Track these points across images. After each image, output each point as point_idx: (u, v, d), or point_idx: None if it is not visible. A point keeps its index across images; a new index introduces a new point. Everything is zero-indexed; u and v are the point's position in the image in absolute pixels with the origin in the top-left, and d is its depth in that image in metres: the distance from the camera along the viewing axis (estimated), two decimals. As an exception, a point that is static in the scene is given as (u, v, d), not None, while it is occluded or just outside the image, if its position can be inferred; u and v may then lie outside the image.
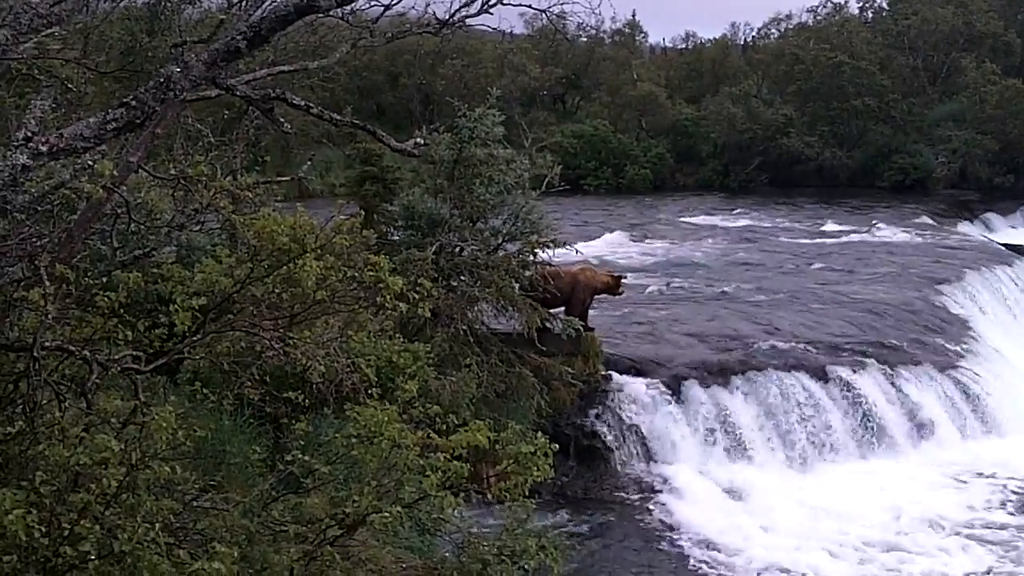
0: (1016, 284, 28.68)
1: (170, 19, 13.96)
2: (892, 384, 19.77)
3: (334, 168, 39.71)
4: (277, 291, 7.40)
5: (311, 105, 7.76)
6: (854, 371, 19.66)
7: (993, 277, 28.36)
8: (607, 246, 32.78)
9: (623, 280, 19.00)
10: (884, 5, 63.48)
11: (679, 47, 74.18)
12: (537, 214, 16.97)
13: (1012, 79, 52.27)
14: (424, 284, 8.18)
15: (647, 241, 34.79)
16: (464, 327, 15.97)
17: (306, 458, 7.18)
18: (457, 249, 16.73)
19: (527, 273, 16.91)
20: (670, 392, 18.29)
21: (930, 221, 39.74)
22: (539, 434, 7.91)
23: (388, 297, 7.59)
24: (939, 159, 51.90)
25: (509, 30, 39.96)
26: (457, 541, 8.79)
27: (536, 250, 16.97)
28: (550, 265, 17.52)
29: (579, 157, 51.73)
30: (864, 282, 26.77)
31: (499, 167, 16.69)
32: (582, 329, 17.49)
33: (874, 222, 38.22)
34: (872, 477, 17.78)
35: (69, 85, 9.27)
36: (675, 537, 15.60)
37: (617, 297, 19.40)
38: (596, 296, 18.64)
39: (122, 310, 6.85)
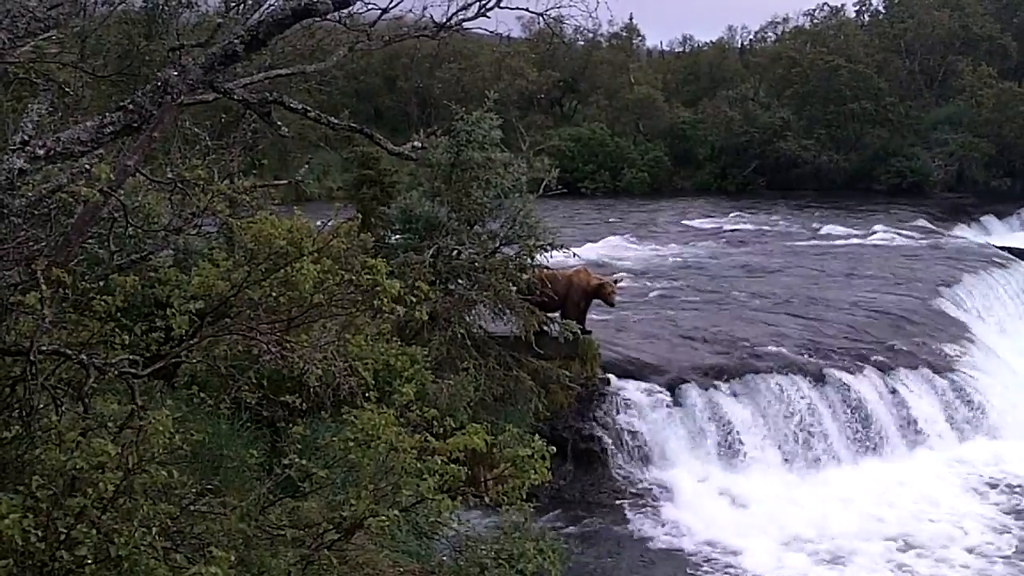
0: (1013, 287, 28.71)
1: (167, 23, 13.97)
2: (889, 387, 19.79)
3: (331, 171, 39.82)
4: (274, 295, 7.38)
5: (308, 109, 7.76)
6: (851, 374, 19.67)
7: (991, 280, 28.39)
8: (606, 249, 32.81)
9: (616, 282, 18.94)
10: (881, 8, 63.76)
11: (676, 50, 74.65)
12: (534, 217, 16.98)
13: (1008, 82, 52.49)
14: (421, 287, 8.15)
15: (645, 244, 34.83)
16: (462, 330, 15.96)
17: (303, 462, 7.15)
18: (454, 252, 16.73)
19: (524, 276, 16.90)
20: (668, 395, 18.28)
21: (927, 224, 39.80)
22: (536, 437, 7.89)
23: (385, 300, 7.57)
24: (936, 162, 52.05)
25: (506, 33, 40.14)
26: (455, 545, 8.78)
27: (533, 253, 16.98)
28: (547, 268, 17.52)
29: (576, 160, 51.84)
30: (861, 285, 26.79)
31: (496, 170, 16.70)
32: (580, 332, 17.49)
33: (871, 226, 38.29)
34: (869, 480, 17.77)
35: (66, 89, 9.25)
36: (672, 541, 15.60)
37: (610, 305, 19.07)
38: (594, 300, 18.63)
39: (119, 314, 6.83)
